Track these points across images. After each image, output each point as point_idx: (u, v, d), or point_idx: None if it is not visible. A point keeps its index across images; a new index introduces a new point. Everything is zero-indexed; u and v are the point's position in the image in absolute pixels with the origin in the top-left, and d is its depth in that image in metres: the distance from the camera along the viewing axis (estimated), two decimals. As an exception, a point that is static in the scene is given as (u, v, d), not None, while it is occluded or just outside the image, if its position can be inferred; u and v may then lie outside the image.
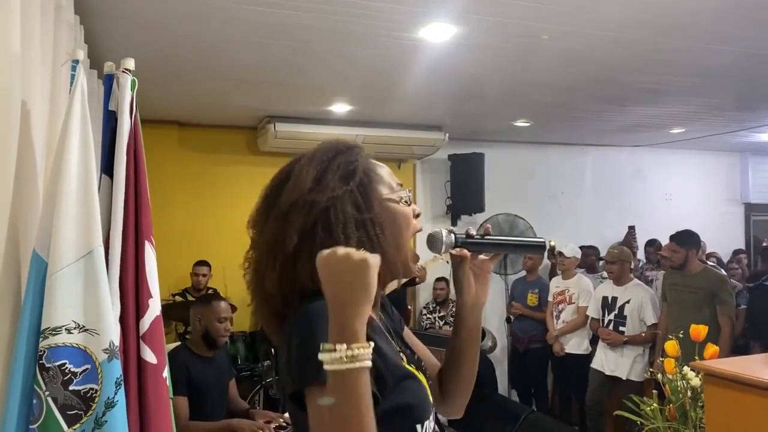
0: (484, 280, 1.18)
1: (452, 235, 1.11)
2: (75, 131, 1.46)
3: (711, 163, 7.44)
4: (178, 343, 3.18)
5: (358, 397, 0.80)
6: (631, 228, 6.13)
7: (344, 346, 0.80)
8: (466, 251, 1.14)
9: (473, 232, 1.16)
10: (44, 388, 1.35)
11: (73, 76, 1.51)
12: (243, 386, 4.17)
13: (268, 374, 3.92)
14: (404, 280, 1.12)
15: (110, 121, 1.62)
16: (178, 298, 4.92)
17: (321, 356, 0.81)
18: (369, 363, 0.81)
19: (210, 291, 5.01)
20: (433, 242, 1.11)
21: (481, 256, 1.17)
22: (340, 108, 4.88)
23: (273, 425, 2.80)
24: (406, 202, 1.09)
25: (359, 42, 3.27)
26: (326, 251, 0.87)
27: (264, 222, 1.03)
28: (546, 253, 6.03)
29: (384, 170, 1.09)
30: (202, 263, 5.04)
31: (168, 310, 4.49)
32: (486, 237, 1.15)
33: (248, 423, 2.73)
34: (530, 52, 3.48)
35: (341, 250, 0.86)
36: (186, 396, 2.72)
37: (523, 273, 5.66)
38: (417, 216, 1.12)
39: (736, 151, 7.46)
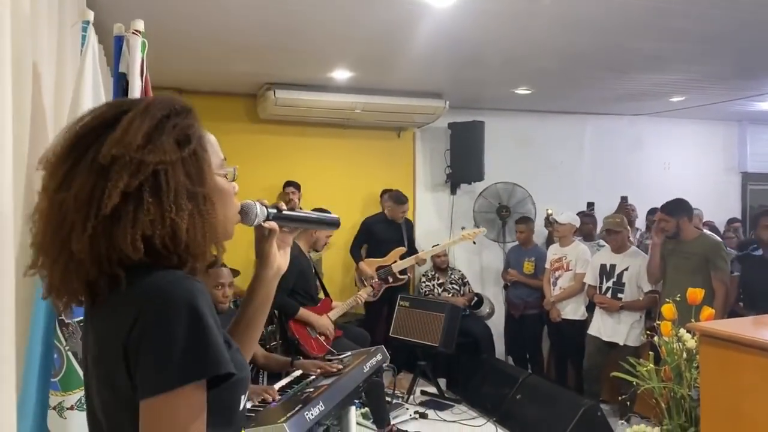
0: (286, 251, 1.18)
1: (265, 209, 1.11)
2: (87, 91, 1.48)
3: (709, 132, 7.46)
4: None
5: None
6: (624, 198, 6.16)
7: None
8: (275, 225, 1.13)
9: (284, 207, 1.15)
10: (64, 343, 1.40)
11: (83, 38, 1.52)
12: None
13: (271, 339, 3.99)
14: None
15: (121, 83, 1.63)
16: None
17: None
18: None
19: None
20: (246, 213, 1.10)
21: (284, 230, 1.16)
22: (341, 75, 4.86)
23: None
24: (231, 179, 1.03)
25: (361, 6, 3.25)
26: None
27: (69, 169, 0.89)
28: (543, 221, 6.10)
29: (214, 140, 1.02)
30: None
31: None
32: (291, 212, 1.17)
33: (310, 362, 2.84)
34: (531, 17, 3.46)
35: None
36: None
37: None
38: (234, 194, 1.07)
39: (734, 120, 7.48)
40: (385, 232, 5.26)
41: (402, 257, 4.88)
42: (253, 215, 1.09)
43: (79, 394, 1.40)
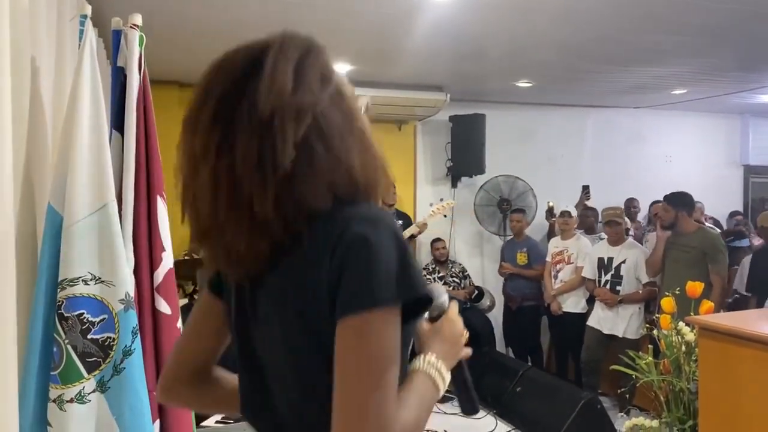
0: None
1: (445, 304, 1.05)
2: (86, 86, 1.48)
3: (711, 125, 7.43)
4: (185, 301, 3.23)
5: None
6: (585, 187, 6.13)
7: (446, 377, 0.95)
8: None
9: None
10: (64, 336, 1.41)
11: (81, 32, 1.52)
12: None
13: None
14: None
15: (119, 78, 1.63)
16: (194, 256, 4.99)
17: (436, 365, 0.93)
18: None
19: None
20: (436, 308, 1.03)
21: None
22: (341, 68, 4.85)
23: None
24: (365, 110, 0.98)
25: (362, -1, 3.24)
26: (459, 329, 1.01)
27: (223, 132, 0.84)
28: (545, 214, 6.10)
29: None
30: None
31: (176, 268, 4.56)
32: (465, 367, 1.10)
33: None
34: (532, 10, 3.45)
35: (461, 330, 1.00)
36: None
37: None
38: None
39: (736, 113, 7.45)
40: None
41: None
42: (439, 311, 1.02)
43: (78, 387, 1.41)
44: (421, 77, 5.28)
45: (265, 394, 0.91)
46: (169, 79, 5.26)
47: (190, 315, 1.06)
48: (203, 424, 2.18)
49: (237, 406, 1.00)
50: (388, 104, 5.50)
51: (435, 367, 0.93)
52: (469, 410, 1.15)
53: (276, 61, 0.85)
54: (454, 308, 1.04)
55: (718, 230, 5.33)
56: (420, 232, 5.33)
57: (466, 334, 1.03)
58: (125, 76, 1.61)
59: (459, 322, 1.02)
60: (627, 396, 3.60)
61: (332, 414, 0.78)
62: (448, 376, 0.96)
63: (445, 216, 5.47)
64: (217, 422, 2.20)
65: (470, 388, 1.12)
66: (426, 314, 1.00)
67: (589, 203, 5.92)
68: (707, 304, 2.93)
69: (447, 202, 5.08)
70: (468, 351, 1.04)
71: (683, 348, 2.85)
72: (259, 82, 0.84)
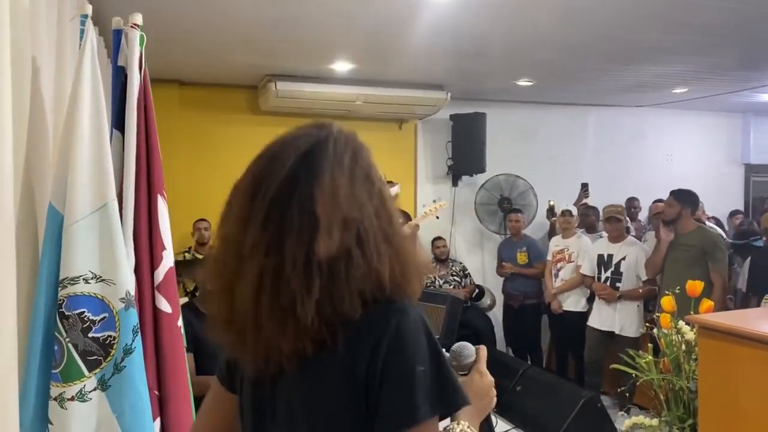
0: None
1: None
2: (86, 86, 1.49)
3: (712, 123, 7.42)
4: (185, 299, 3.22)
5: None
6: (584, 185, 6.13)
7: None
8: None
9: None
10: (65, 335, 1.41)
11: (82, 31, 1.52)
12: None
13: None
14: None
15: (119, 77, 1.63)
16: (188, 255, 5.01)
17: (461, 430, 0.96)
18: None
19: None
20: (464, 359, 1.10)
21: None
22: (342, 66, 4.85)
23: None
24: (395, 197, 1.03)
25: (362, -2, 3.24)
26: (489, 382, 1.07)
27: (275, 232, 0.86)
28: (546, 213, 6.09)
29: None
30: (202, 220, 5.16)
31: (176, 267, 4.59)
32: None
33: None
34: (533, 8, 3.45)
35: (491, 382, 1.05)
36: (191, 352, 2.79)
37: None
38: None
39: (737, 112, 7.44)
40: None
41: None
42: (469, 366, 1.09)
43: (79, 385, 1.41)
44: (421, 76, 5.28)
45: None
46: (169, 77, 5.27)
47: (202, 406, 1.10)
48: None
49: None
50: (389, 103, 5.50)
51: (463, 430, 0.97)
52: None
53: (333, 169, 0.89)
54: (482, 359, 1.08)
55: (719, 230, 5.33)
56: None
57: (493, 390, 1.09)
58: (126, 76, 1.61)
59: (488, 374, 1.08)
60: (627, 395, 3.60)
61: None
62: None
63: (437, 218, 5.47)
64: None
65: None
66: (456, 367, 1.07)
67: (588, 201, 5.92)
68: (707, 303, 2.93)
69: (439, 204, 5.07)
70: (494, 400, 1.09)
71: (683, 347, 2.85)
72: (314, 189, 0.87)
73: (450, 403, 0.87)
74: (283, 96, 5.16)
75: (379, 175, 0.95)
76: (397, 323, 0.87)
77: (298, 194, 0.87)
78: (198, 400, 2.61)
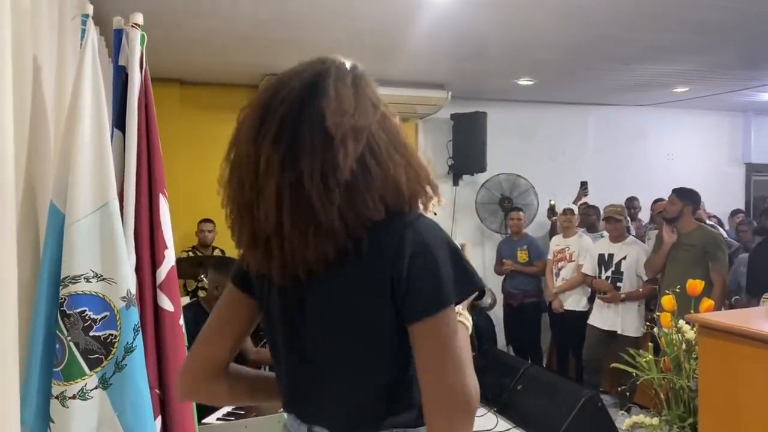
0: None
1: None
2: (87, 85, 1.49)
3: (713, 123, 7.42)
4: (189, 299, 3.23)
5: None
6: (583, 183, 6.13)
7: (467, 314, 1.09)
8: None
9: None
10: (66, 333, 1.42)
11: (83, 30, 1.53)
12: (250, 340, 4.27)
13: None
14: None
15: (120, 77, 1.64)
16: (191, 253, 5.02)
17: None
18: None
19: (217, 250, 5.09)
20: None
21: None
22: (343, 66, 4.85)
23: None
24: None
25: (363, -2, 3.24)
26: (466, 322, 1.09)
27: (289, 148, 0.92)
28: (547, 212, 6.09)
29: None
30: (207, 220, 5.13)
31: (178, 266, 4.60)
32: None
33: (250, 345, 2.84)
34: (534, 8, 3.45)
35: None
36: None
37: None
38: None
39: (738, 111, 7.43)
40: None
41: None
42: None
43: (80, 383, 1.42)
44: (422, 75, 5.28)
45: (314, 384, 1.03)
46: (170, 77, 5.28)
47: (211, 314, 1.12)
48: (205, 420, 2.19)
49: (261, 397, 1.19)
50: (390, 102, 5.46)
51: (463, 317, 1.07)
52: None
53: (337, 87, 0.97)
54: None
55: (721, 229, 5.33)
56: None
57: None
58: (126, 75, 1.61)
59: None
60: (627, 394, 3.60)
61: (425, 395, 0.95)
62: (468, 318, 1.09)
63: (435, 213, 5.46)
64: (218, 419, 2.21)
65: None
66: None
67: (587, 199, 5.92)
68: (707, 302, 2.93)
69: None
70: None
71: (683, 346, 2.85)
72: (321, 105, 0.94)
73: (469, 286, 0.97)
74: (284, 95, 5.15)
75: (382, 99, 1.03)
76: (416, 226, 0.96)
77: (307, 112, 0.94)
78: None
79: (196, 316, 2.91)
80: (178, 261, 4.97)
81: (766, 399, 1.97)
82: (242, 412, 2.25)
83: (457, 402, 0.93)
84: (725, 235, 5.43)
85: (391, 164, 0.95)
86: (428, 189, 1.01)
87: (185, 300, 3.76)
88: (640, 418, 3.08)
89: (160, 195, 1.60)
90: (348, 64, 1.05)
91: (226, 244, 5.06)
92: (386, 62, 4.74)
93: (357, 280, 0.96)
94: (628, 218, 5.30)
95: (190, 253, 5.02)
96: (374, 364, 0.99)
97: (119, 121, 1.61)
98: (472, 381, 0.96)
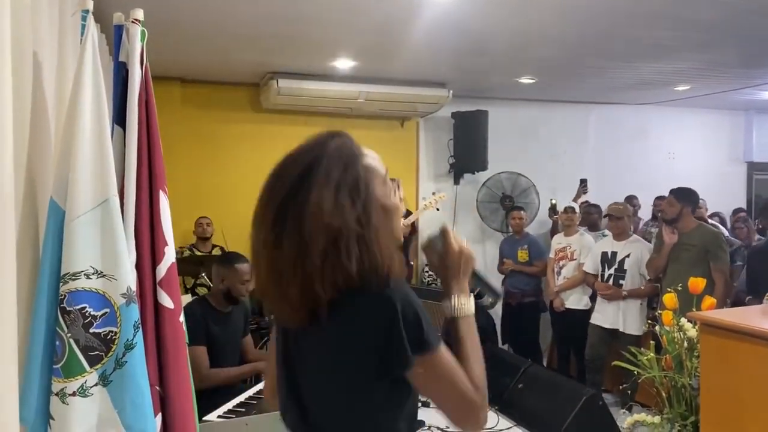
0: None
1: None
2: (87, 81, 1.49)
3: (715, 121, 7.41)
4: (190, 296, 3.23)
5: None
6: (583, 181, 6.12)
7: (470, 298, 1.26)
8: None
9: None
10: (66, 330, 1.41)
11: (83, 26, 1.52)
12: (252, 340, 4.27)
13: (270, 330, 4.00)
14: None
15: (120, 73, 1.63)
16: (187, 252, 5.01)
17: (462, 303, 1.23)
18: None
19: (217, 249, 5.09)
20: (434, 243, 1.27)
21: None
22: (344, 64, 4.85)
23: None
24: (395, 191, 1.23)
25: (364, -5, 3.23)
26: (460, 247, 1.26)
27: (279, 233, 1.12)
28: (548, 211, 6.08)
29: (377, 164, 1.20)
30: (205, 217, 5.17)
31: (179, 264, 4.60)
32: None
33: None
34: (535, 6, 3.44)
35: (466, 248, 1.26)
36: (204, 346, 2.80)
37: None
38: (401, 199, 1.27)
39: (740, 110, 7.42)
40: None
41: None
42: (439, 245, 1.27)
43: (80, 380, 1.41)
44: (423, 73, 5.27)
45: (301, 410, 1.21)
46: (171, 75, 5.27)
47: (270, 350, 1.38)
48: (205, 418, 2.19)
49: None
50: (391, 100, 5.50)
51: (462, 306, 1.24)
52: (495, 298, 1.47)
53: (321, 186, 1.11)
54: (447, 236, 1.27)
55: (722, 227, 5.32)
56: (410, 228, 5.29)
57: (467, 244, 1.28)
58: (127, 71, 1.61)
59: (455, 243, 1.27)
60: (629, 392, 3.60)
61: (445, 412, 1.17)
62: (471, 302, 1.25)
63: (437, 209, 5.44)
64: (219, 416, 2.21)
65: (486, 282, 1.43)
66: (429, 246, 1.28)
67: (587, 197, 5.91)
68: (709, 300, 2.93)
69: (439, 195, 5.03)
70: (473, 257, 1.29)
71: (685, 344, 2.84)
72: (305, 205, 1.10)
73: (430, 342, 1.11)
74: (285, 93, 5.16)
75: (368, 182, 1.15)
76: (396, 296, 1.10)
77: (292, 208, 1.11)
78: (210, 393, 2.64)
79: (204, 312, 2.91)
80: (180, 260, 4.99)
81: (768, 397, 1.96)
82: (243, 410, 2.24)
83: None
84: (726, 233, 5.43)
85: (345, 254, 1.09)
86: (381, 271, 1.12)
87: (187, 298, 3.76)
88: (642, 416, 3.08)
89: (161, 191, 1.60)
90: (340, 150, 1.16)
91: (223, 240, 5.08)
92: (388, 60, 4.74)
93: (342, 341, 1.13)
94: (630, 216, 5.28)
95: (187, 252, 5.02)
96: (354, 404, 1.16)
97: (120, 118, 1.60)
98: (470, 387, 1.14)
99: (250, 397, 2.42)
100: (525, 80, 5.51)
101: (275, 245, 1.13)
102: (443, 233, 1.28)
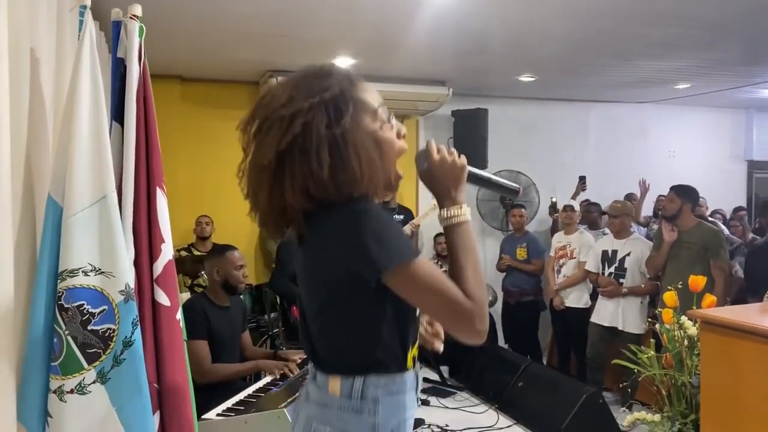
0: None
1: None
2: (85, 77, 1.48)
3: (715, 119, 7.40)
4: (189, 294, 3.23)
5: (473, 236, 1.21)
6: (582, 178, 6.11)
7: (464, 206, 1.20)
8: None
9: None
10: (64, 327, 1.40)
11: (81, 22, 1.51)
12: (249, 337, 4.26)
13: (273, 325, 4.00)
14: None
15: (119, 69, 1.62)
16: (184, 253, 5.00)
17: (452, 213, 1.19)
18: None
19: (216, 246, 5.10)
20: (419, 159, 1.23)
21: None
22: (343, 62, 4.83)
23: (300, 359, 2.89)
24: (390, 125, 1.18)
25: (363, -7, 3.23)
26: (442, 157, 1.22)
27: (249, 138, 1.13)
28: (548, 209, 6.07)
29: (367, 94, 1.15)
30: (204, 216, 5.15)
31: (178, 264, 4.59)
32: (475, 170, 1.28)
33: (274, 363, 2.82)
34: (535, 3, 3.43)
35: (454, 159, 1.21)
36: (206, 340, 2.80)
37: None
38: (402, 136, 1.23)
39: (740, 108, 7.41)
40: None
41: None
42: (422, 159, 1.23)
43: (78, 378, 1.41)
44: (423, 72, 5.26)
45: (306, 331, 1.22)
46: (170, 73, 5.26)
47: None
48: (204, 416, 2.18)
49: None
50: (390, 99, 5.43)
51: (453, 215, 1.19)
52: (512, 193, 1.41)
53: (280, 85, 1.12)
54: (431, 148, 1.23)
55: (721, 225, 5.31)
56: (413, 232, 5.28)
57: (454, 151, 1.24)
58: (125, 67, 1.60)
59: (440, 153, 1.23)
60: (629, 390, 3.59)
61: (437, 321, 1.28)
62: (461, 210, 1.19)
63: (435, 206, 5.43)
64: (218, 414, 2.20)
65: (495, 180, 1.37)
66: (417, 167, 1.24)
67: (586, 194, 5.90)
68: (710, 298, 2.92)
69: None
70: (464, 161, 1.24)
71: (685, 342, 2.84)
72: (264, 102, 1.12)
73: (399, 253, 1.08)
74: (285, 92, 5.14)
75: (349, 94, 1.10)
76: (348, 215, 1.08)
77: (259, 109, 1.12)
78: (210, 390, 2.64)
79: (204, 307, 2.91)
80: (180, 260, 4.97)
81: (769, 395, 1.96)
82: (242, 408, 2.24)
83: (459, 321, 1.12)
84: (726, 231, 5.42)
85: (315, 160, 1.05)
86: (361, 187, 1.09)
87: (185, 296, 3.76)
88: (642, 414, 3.07)
89: (158, 189, 1.59)
90: (324, 69, 1.14)
91: (224, 239, 5.06)
92: (387, 58, 4.73)
93: (316, 255, 1.13)
94: (630, 214, 5.27)
95: (184, 252, 5.00)
96: (329, 316, 1.18)
97: (118, 114, 1.59)
98: (460, 294, 1.11)
99: (249, 395, 2.42)
100: (525, 78, 5.51)
101: (246, 154, 1.14)
102: (426, 147, 1.25)
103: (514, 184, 1.39)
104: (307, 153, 1.05)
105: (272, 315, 4.09)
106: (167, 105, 5.24)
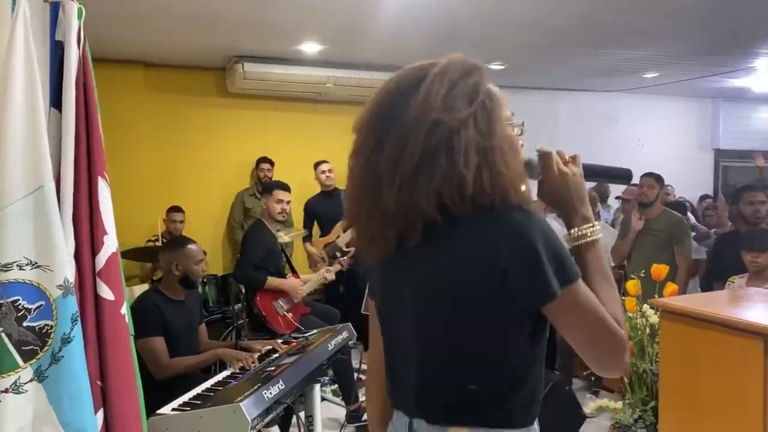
0: None
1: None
2: (19, 61, 1.40)
3: (683, 109, 7.48)
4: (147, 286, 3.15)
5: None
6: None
7: (595, 222, 1.10)
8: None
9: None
10: (-3, 324, 1.34)
11: (14, 2, 1.43)
12: (215, 328, 4.18)
13: (239, 317, 3.93)
14: None
15: (57, 52, 1.54)
16: (158, 244, 4.87)
17: (583, 232, 1.08)
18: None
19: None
20: (530, 168, 1.13)
21: None
22: (311, 48, 4.76)
23: (264, 350, 2.85)
24: (519, 132, 1.12)
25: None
26: (568, 170, 1.14)
27: (383, 133, 1.00)
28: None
29: (502, 95, 1.08)
30: (176, 209, 4.96)
31: (146, 254, 4.44)
32: (589, 164, 1.21)
33: (234, 352, 2.76)
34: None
35: (575, 171, 1.14)
36: (162, 336, 2.73)
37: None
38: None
39: (707, 98, 7.50)
40: (326, 208, 5.02)
41: (345, 230, 4.75)
42: (537, 171, 1.14)
43: (14, 377, 1.34)
44: (392, 58, 5.18)
45: (417, 372, 1.05)
46: (134, 58, 5.12)
47: (370, 332, 1.20)
48: (159, 411, 2.13)
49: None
50: (361, 86, 5.41)
51: (584, 234, 1.09)
52: (626, 179, 1.34)
53: (433, 80, 1.00)
54: (546, 162, 1.15)
55: (690, 216, 5.36)
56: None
57: (565, 153, 1.18)
58: (63, 51, 1.52)
59: (555, 167, 1.15)
60: (593, 377, 3.62)
61: (589, 352, 1.02)
62: (594, 229, 1.09)
63: None
64: (173, 410, 2.15)
65: (607, 170, 1.32)
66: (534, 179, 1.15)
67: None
68: (671, 287, 2.95)
69: None
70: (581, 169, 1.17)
71: (647, 330, 2.86)
72: (415, 98, 0.99)
73: (574, 271, 0.98)
74: (251, 78, 5.05)
75: (490, 95, 1.03)
76: (514, 225, 0.97)
77: (398, 108, 1.00)
78: (173, 381, 2.57)
79: (158, 302, 2.83)
80: (148, 249, 4.80)
81: (725, 382, 1.97)
82: (198, 402, 2.19)
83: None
84: (693, 220, 5.49)
85: (463, 161, 0.96)
86: (510, 193, 1.00)
87: (145, 289, 3.67)
88: (605, 402, 3.10)
89: (99, 178, 1.52)
90: (462, 59, 1.06)
91: (195, 234, 4.92)
92: (356, 44, 4.67)
93: (451, 268, 1.00)
94: (599, 204, 5.32)
95: (153, 243, 4.84)
96: (478, 347, 1.02)
97: (56, 100, 1.52)
98: (615, 325, 1.00)
99: (207, 389, 2.36)
100: (494, 66, 5.49)
101: (375, 150, 1.00)
102: (541, 158, 1.14)
103: (625, 168, 1.30)
104: (452, 150, 0.96)
105: (237, 306, 4.02)
106: (130, 92, 5.11)
